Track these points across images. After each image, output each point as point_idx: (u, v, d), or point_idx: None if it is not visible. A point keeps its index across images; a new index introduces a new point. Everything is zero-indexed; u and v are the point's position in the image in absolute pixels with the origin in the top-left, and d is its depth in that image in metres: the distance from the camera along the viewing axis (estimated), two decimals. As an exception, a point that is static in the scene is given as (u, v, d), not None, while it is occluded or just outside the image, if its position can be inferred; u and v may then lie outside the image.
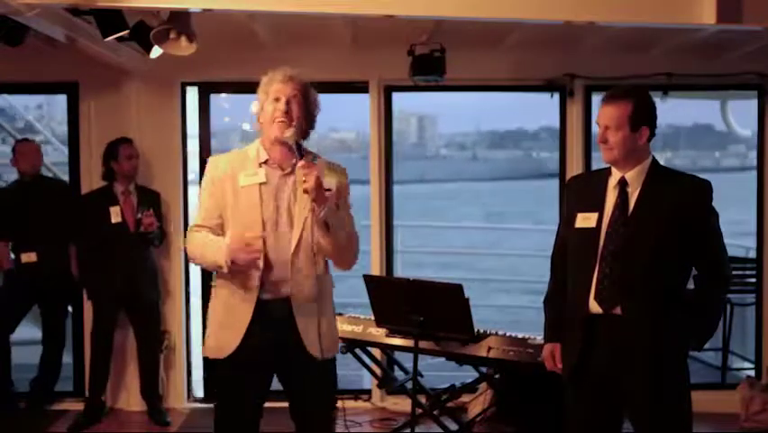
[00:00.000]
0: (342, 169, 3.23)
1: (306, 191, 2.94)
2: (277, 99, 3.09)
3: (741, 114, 8.10)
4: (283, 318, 3.08)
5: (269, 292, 3.08)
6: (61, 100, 5.83)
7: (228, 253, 2.98)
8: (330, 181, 3.09)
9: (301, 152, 3.03)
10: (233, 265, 3.00)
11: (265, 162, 3.13)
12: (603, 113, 3.08)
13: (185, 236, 3.24)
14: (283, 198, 3.10)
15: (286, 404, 3.25)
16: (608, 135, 3.05)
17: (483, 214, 29.90)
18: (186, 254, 3.29)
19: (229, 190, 3.11)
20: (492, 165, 51.22)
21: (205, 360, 3.37)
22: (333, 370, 3.26)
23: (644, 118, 3.06)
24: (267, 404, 3.22)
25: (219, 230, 3.13)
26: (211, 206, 3.15)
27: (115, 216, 5.28)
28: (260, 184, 3.09)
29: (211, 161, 3.23)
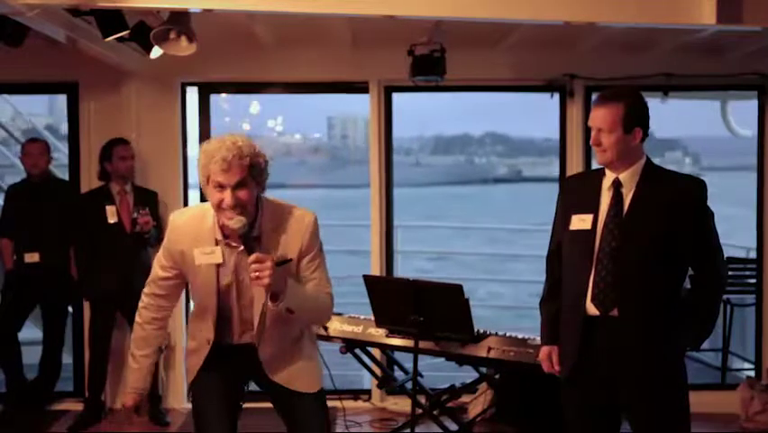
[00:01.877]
0: (306, 220, 2.91)
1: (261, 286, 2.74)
2: (220, 188, 2.74)
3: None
4: (252, 363, 3.02)
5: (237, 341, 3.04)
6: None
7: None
8: (291, 248, 2.87)
9: (251, 246, 2.74)
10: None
11: (221, 240, 2.89)
12: (595, 115, 3.07)
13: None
14: (243, 272, 2.87)
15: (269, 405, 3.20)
16: (601, 138, 3.04)
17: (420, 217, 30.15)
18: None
19: (188, 261, 2.92)
20: (434, 170, 51.54)
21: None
22: (321, 403, 3.15)
23: (636, 119, 3.05)
24: (253, 405, 3.22)
25: (173, 292, 3.06)
26: (166, 265, 3.00)
27: (111, 215, 5.29)
28: (217, 265, 2.89)
29: (171, 225, 2.97)
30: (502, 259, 16.75)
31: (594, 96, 5.68)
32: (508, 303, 11.88)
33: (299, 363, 3.06)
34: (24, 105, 5.85)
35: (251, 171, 2.76)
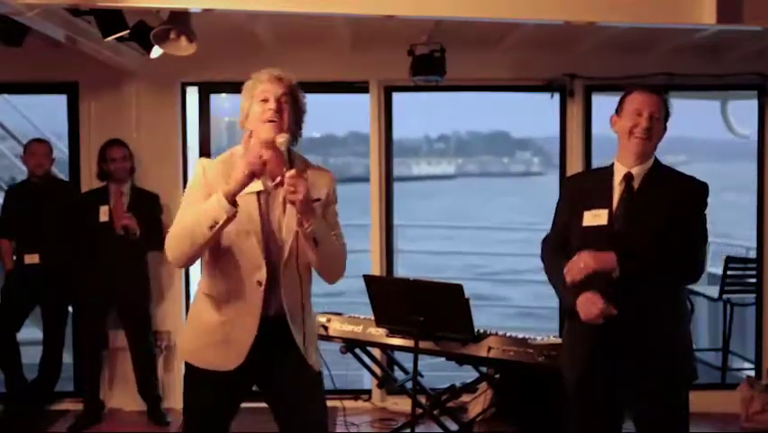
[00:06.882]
0: (329, 175, 3.01)
1: (292, 203, 2.76)
2: (265, 100, 2.82)
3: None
4: (280, 333, 2.91)
5: (268, 307, 2.91)
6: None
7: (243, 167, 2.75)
8: (319, 191, 2.90)
9: (292, 160, 2.83)
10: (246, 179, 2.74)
11: None
12: (651, 101, 3.07)
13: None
14: (275, 209, 2.88)
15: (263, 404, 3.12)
16: (652, 124, 3.07)
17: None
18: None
19: None
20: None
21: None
22: (322, 384, 3.10)
23: (668, 117, 3.14)
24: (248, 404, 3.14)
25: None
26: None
27: (103, 215, 5.30)
28: (258, 192, 2.85)
29: (199, 163, 2.95)
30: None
31: (594, 95, 5.71)
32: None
33: (310, 330, 3.01)
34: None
35: (291, 93, 2.86)
